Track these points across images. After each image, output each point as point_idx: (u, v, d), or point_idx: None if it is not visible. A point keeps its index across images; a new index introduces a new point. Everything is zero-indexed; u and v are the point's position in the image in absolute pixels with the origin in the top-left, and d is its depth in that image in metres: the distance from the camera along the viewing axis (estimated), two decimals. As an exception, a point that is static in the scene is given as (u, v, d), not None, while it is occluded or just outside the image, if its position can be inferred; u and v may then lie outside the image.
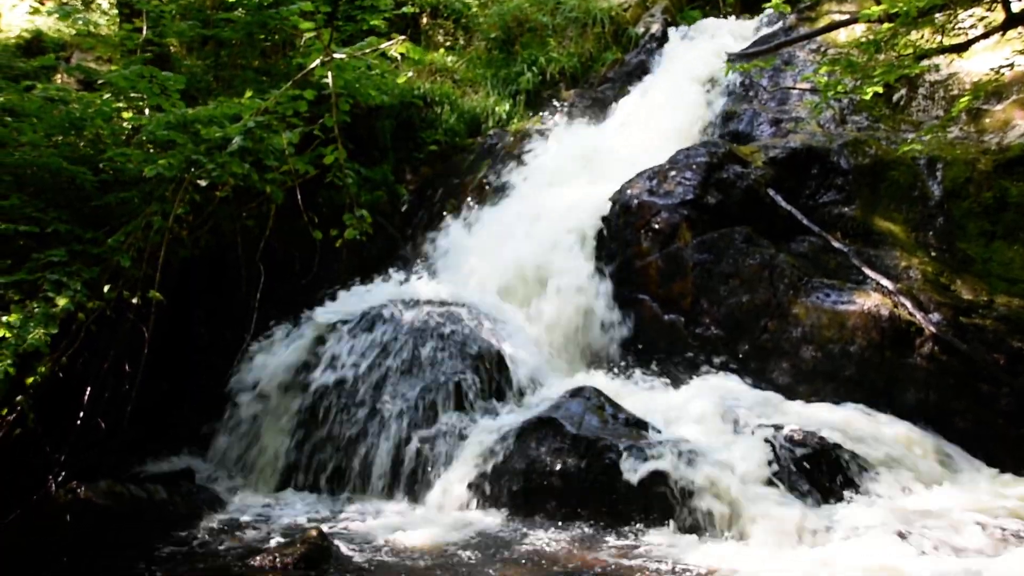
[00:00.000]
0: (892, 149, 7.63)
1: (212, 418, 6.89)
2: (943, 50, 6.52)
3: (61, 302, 5.12)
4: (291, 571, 4.59)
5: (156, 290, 5.78)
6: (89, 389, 5.74)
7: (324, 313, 7.30)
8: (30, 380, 5.15)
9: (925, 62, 6.73)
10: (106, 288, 5.53)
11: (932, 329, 6.31)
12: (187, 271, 6.87)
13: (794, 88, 9.23)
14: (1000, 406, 6.12)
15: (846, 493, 5.46)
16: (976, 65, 7.83)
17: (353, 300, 7.63)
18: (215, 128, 6.02)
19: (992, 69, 6.54)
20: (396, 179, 9.83)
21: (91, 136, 6.21)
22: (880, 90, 6.49)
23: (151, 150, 6.21)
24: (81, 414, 5.66)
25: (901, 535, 4.78)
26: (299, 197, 6.33)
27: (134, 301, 5.77)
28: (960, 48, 6.47)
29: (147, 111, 6.52)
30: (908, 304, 6.46)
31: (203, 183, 6.15)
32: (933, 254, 7.05)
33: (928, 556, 4.58)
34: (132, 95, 6.46)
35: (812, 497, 5.39)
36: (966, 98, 6.51)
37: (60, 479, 5.40)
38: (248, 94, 6.56)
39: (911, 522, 4.93)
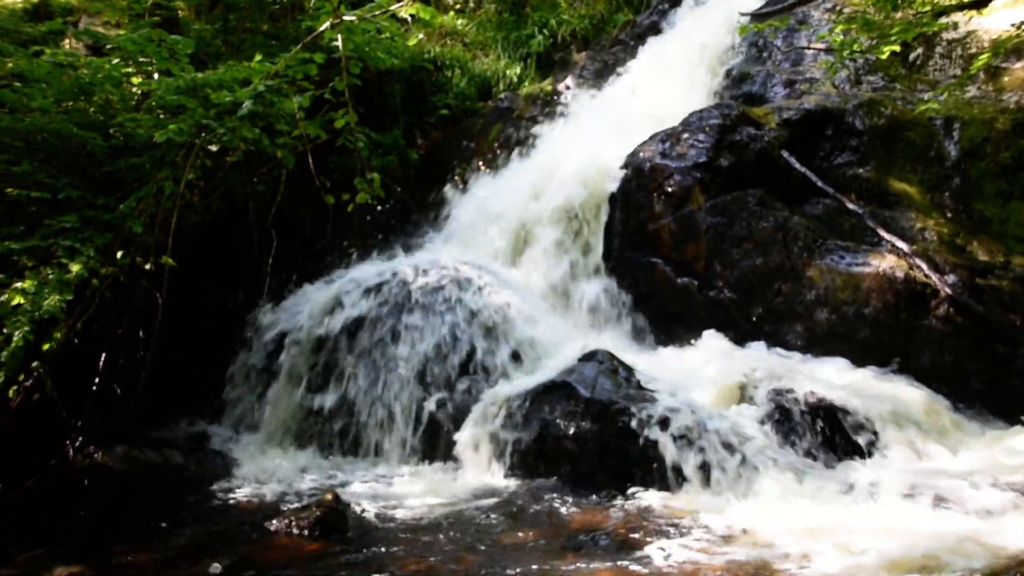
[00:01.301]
0: (908, 109, 7.52)
1: (226, 383, 6.93)
2: (962, 7, 6.41)
3: (75, 268, 5.13)
4: (307, 534, 4.63)
5: (169, 256, 5.79)
6: (104, 355, 5.77)
7: (336, 278, 7.30)
8: (46, 346, 5.18)
9: (943, 19, 6.63)
10: (119, 254, 5.54)
11: (948, 291, 6.26)
12: (199, 237, 6.86)
13: (809, 48, 9.10)
14: (1016, 367, 6.09)
15: (859, 454, 5.46)
16: (996, 22, 7.70)
17: (366, 264, 7.62)
18: (225, 93, 5.98)
19: (1013, 25, 6.43)
20: (407, 143, 9.78)
21: (100, 101, 6.18)
22: (897, 49, 6.38)
23: (161, 115, 6.18)
24: (97, 380, 5.69)
25: (913, 495, 4.78)
26: (310, 162, 6.30)
27: (147, 267, 5.79)
28: (979, 4, 6.35)
29: (156, 76, 6.48)
30: (923, 266, 6.41)
31: (214, 148, 6.14)
32: (949, 215, 6.98)
33: (941, 516, 4.57)
34: (141, 60, 6.43)
35: (825, 458, 5.39)
36: (985, 56, 6.41)
37: (77, 444, 5.45)
38: (257, 58, 6.52)
39: (924, 482, 4.92)
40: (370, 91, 9.21)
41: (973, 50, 7.95)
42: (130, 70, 6.47)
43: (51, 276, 5.08)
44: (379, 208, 8.17)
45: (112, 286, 5.61)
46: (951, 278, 6.36)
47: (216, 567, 4.11)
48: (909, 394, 5.96)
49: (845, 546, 4.20)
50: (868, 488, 5.00)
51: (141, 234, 5.67)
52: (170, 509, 5.14)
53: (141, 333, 5.94)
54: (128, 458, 5.40)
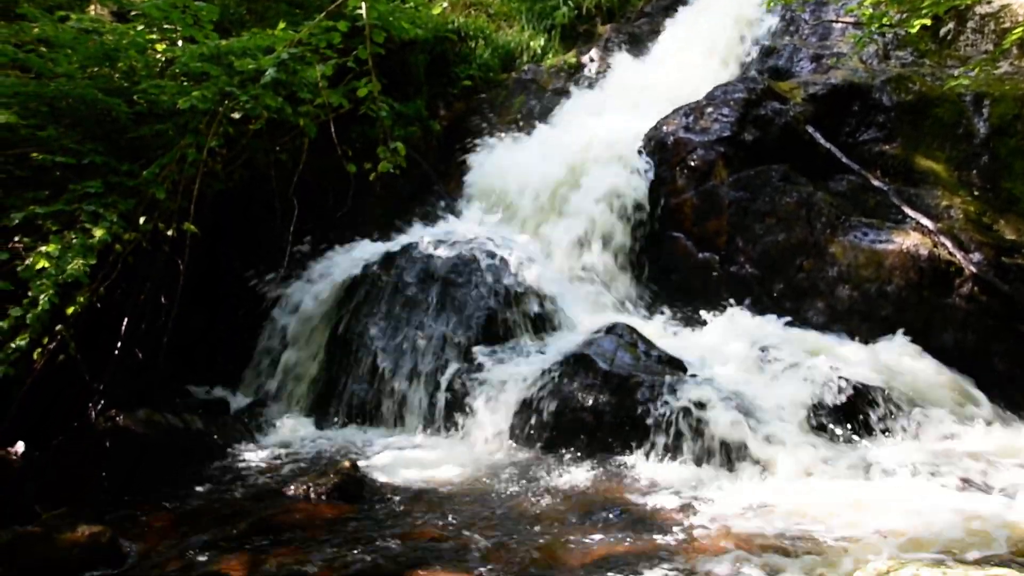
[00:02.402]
0: (937, 85, 7.42)
1: (247, 351, 6.98)
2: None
3: (98, 233, 5.16)
4: (324, 501, 4.67)
5: (191, 223, 5.81)
6: (127, 320, 5.82)
7: (358, 247, 7.32)
8: (70, 309, 5.23)
9: (976, -8, 6.51)
10: (142, 220, 5.57)
11: (972, 269, 6.20)
12: (221, 205, 6.88)
13: (837, 21, 8.99)
14: (1041, 348, 6.04)
15: (878, 432, 5.44)
16: (1030, -4, 7.57)
17: (388, 234, 7.64)
18: (248, 60, 5.97)
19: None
20: (430, 114, 9.75)
21: (125, 68, 6.19)
22: (927, 23, 6.27)
23: (184, 82, 6.19)
24: (119, 345, 5.75)
25: (934, 474, 4.77)
26: (332, 131, 6.29)
27: (169, 233, 5.81)
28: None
29: (180, 43, 6.48)
30: (948, 244, 6.34)
31: (237, 116, 6.14)
32: (976, 193, 6.89)
33: (962, 495, 4.55)
34: (165, 26, 6.42)
35: (844, 435, 5.37)
36: (1019, 30, 6.27)
37: (100, 407, 5.51)
38: (281, 26, 6.50)
39: (945, 461, 4.91)
40: (393, 61, 9.17)
41: (1007, 24, 7.81)
42: (154, 36, 6.47)
43: (75, 241, 5.11)
44: (401, 178, 8.15)
45: (135, 252, 5.65)
46: (976, 256, 6.29)
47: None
48: (931, 373, 5.92)
49: (864, 524, 4.19)
50: (888, 466, 4.99)
51: (164, 201, 5.69)
52: (190, 473, 5.20)
53: (163, 299, 5.98)
54: (150, 422, 5.45)
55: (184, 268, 5.87)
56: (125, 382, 5.71)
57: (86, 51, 5.99)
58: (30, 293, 4.93)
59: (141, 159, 5.94)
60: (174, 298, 5.92)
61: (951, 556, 3.71)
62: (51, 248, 5.06)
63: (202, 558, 3.91)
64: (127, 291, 5.87)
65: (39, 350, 5.09)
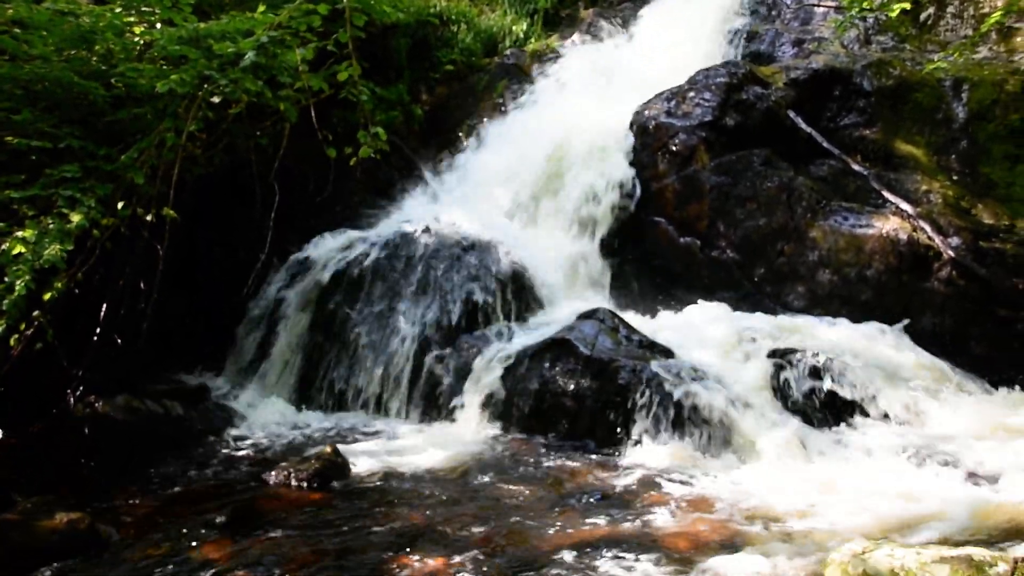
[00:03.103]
0: (917, 70, 7.44)
1: (228, 336, 6.95)
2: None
3: (75, 218, 5.11)
4: (305, 486, 4.67)
5: (170, 208, 5.76)
6: (105, 306, 5.78)
7: (339, 233, 7.30)
8: (47, 296, 5.18)
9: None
10: (120, 205, 5.51)
11: (951, 253, 6.24)
12: (202, 190, 6.82)
13: (818, 6, 9.00)
14: (1017, 331, 6.09)
15: (857, 415, 5.49)
16: (1009, -18, 7.58)
17: (370, 220, 7.61)
18: (228, 43, 5.91)
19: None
20: (412, 99, 9.69)
21: (102, 51, 6.11)
22: (907, 7, 6.31)
23: (163, 66, 6.12)
24: (98, 331, 5.71)
25: (911, 456, 4.82)
26: (313, 116, 6.25)
27: (148, 219, 5.76)
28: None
29: (159, 25, 6.41)
30: (927, 228, 6.38)
31: (216, 100, 6.07)
32: (955, 178, 6.93)
33: (937, 477, 4.60)
34: (143, 9, 6.34)
35: (823, 418, 5.43)
36: (996, 15, 6.31)
37: (79, 394, 5.48)
38: (260, 8, 6.43)
39: (921, 443, 4.97)
40: (375, 45, 9.11)
41: (986, 9, 7.84)
42: (132, 19, 6.38)
43: (52, 226, 5.06)
44: (383, 164, 8.12)
45: (113, 237, 5.59)
46: (955, 240, 6.33)
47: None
48: (909, 356, 5.97)
49: (841, 505, 4.24)
50: (865, 448, 5.05)
51: (142, 185, 5.63)
52: (170, 459, 5.19)
53: (142, 285, 5.94)
54: (129, 408, 5.43)
55: (163, 254, 5.82)
56: (104, 368, 5.67)
57: (62, 33, 5.90)
58: (6, 279, 4.88)
59: (119, 143, 5.87)
60: (153, 284, 5.87)
61: (925, 536, 3.75)
62: (27, 233, 5.00)
63: (183, 544, 3.91)
64: (105, 277, 5.82)
65: (16, 336, 5.04)
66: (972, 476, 4.59)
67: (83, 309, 5.73)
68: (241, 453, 5.43)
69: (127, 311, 5.87)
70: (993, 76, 7.11)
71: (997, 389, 5.92)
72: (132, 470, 4.97)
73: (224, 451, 5.47)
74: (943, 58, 7.34)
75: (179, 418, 5.71)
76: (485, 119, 9.31)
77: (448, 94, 10.11)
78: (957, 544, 3.04)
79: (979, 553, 2.49)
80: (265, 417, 6.20)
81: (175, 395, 6.00)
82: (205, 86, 5.83)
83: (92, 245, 5.43)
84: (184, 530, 4.06)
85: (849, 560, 2.73)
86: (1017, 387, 5.92)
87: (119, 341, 5.79)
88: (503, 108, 9.41)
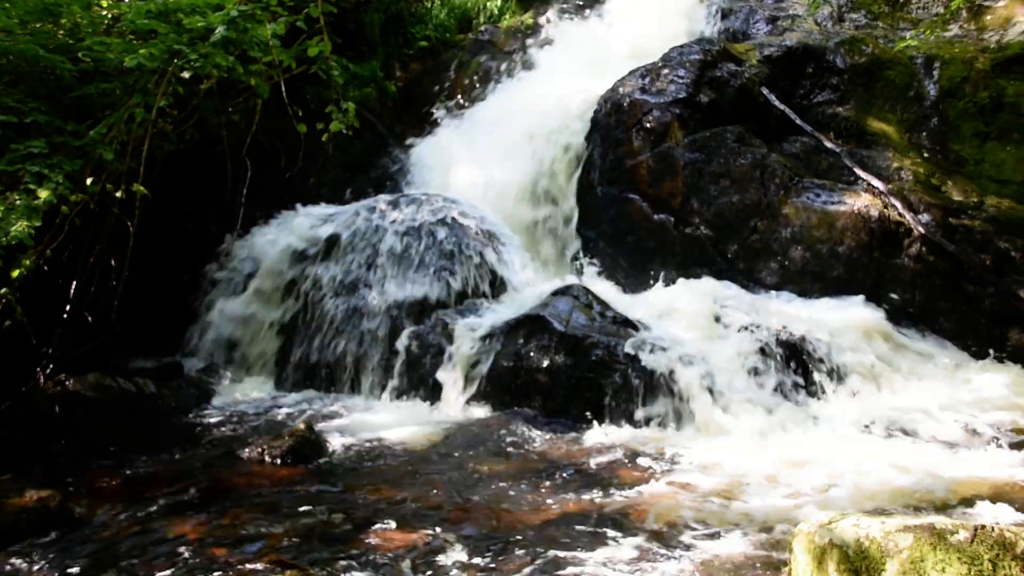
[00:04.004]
0: (889, 48, 7.49)
1: (201, 313, 6.90)
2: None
3: (43, 194, 5.04)
4: (279, 463, 4.66)
5: (141, 184, 5.70)
6: (75, 283, 5.73)
7: (312, 209, 7.26)
8: (15, 273, 5.11)
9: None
10: (89, 181, 5.44)
11: (921, 230, 6.30)
12: (173, 165, 6.77)
13: (792, -17, 9.01)
14: (984, 306, 6.17)
15: (828, 389, 5.55)
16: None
17: (342, 196, 7.57)
18: (197, 17, 5.84)
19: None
20: (385, 76, 9.63)
21: (69, 24, 6.01)
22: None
23: (132, 40, 6.04)
24: (67, 308, 5.65)
25: (878, 428, 4.90)
26: (284, 91, 6.20)
27: (118, 195, 5.69)
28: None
29: (126, -1, 6.33)
30: (898, 205, 6.44)
31: (186, 75, 6.00)
32: (926, 155, 6.99)
33: (904, 448, 4.68)
34: (110, -19, 6.26)
35: (792, 392, 5.48)
36: (966, -8, 6.36)
37: (48, 372, 5.44)
38: (230, -18, 6.35)
39: (890, 416, 5.05)
40: (347, 21, 9.03)
41: (957, -13, 7.89)
42: (100, -8, 6.31)
43: (19, 202, 4.98)
44: (356, 140, 8.07)
45: (82, 214, 5.52)
46: (925, 217, 6.40)
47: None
48: (878, 330, 6.03)
49: (810, 478, 4.29)
50: (834, 421, 5.12)
51: (112, 161, 5.56)
52: (142, 437, 5.16)
53: (113, 262, 5.88)
54: (100, 386, 5.39)
55: (134, 230, 5.77)
56: (75, 346, 5.63)
57: (26, 5, 5.79)
58: (-28, 256, 4.82)
59: (88, 119, 5.80)
60: (124, 261, 5.82)
61: (891, 506, 3.82)
62: (-7, 209, 4.94)
63: (155, 521, 3.88)
64: (75, 254, 5.76)
65: (-16, 314, 5.00)
66: (939, 447, 4.67)
67: (53, 286, 5.67)
68: (215, 430, 5.40)
69: (97, 288, 5.82)
70: (963, 54, 7.17)
71: (965, 363, 5.99)
72: (104, 448, 4.93)
73: (197, 428, 5.45)
74: (915, 36, 7.39)
75: (152, 396, 5.68)
76: (459, 96, 9.27)
77: (422, 71, 10.06)
78: (920, 513, 3.09)
79: (941, 521, 2.53)
80: (239, 395, 6.19)
81: (147, 372, 5.97)
82: (175, 61, 5.76)
83: (61, 221, 5.37)
84: (157, 507, 4.04)
85: (816, 530, 2.77)
86: (984, 360, 6.00)
87: (89, 319, 5.74)
88: (477, 84, 9.37)
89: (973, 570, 2.37)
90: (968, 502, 3.89)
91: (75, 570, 3.38)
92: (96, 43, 5.75)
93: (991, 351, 6.02)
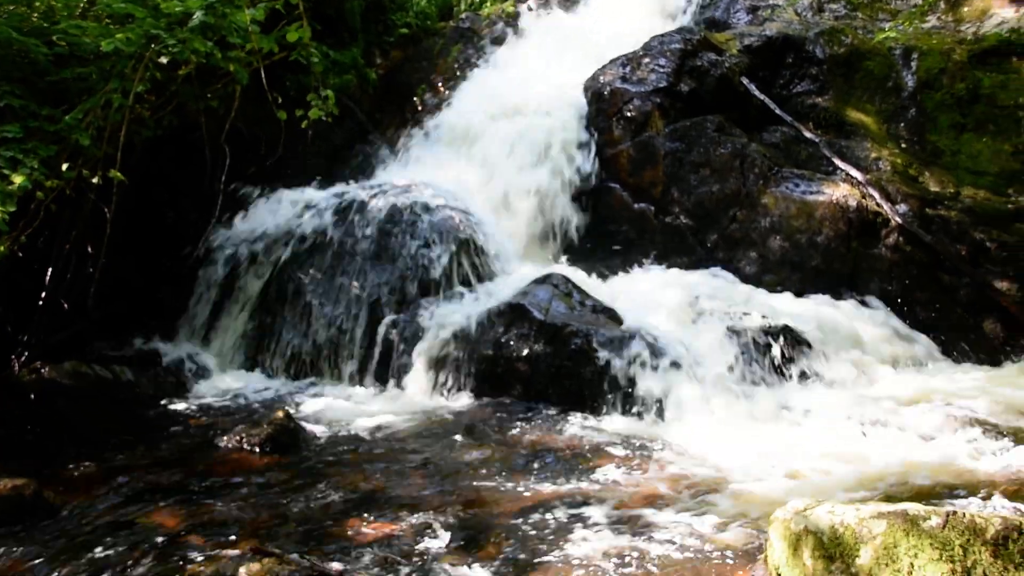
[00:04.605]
0: (868, 38, 7.53)
1: (179, 301, 6.85)
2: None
3: (17, 180, 4.97)
4: (257, 451, 4.65)
5: (118, 170, 5.65)
6: (51, 270, 5.68)
7: (291, 197, 7.22)
8: (-11, 259, 5.08)
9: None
10: (64, 167, 5.39)
11: (898, 220, 6.35)
12: (151, 152, 6.70)
13: (773, -27, 9.02)
14: (960, 296, 6.23)
15: (807, 379, 5.60)
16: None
17: (322, 184, 7.54)
18: (175, 2, 5.78)
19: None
20: (366, 63, 9.57)
21: (43, 7, 5.93)
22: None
23: (108, 24, 5.97)
24: (43, 295, 5.60)
25: (858, 419, 4.92)
26: (263, 78, 6.16)
27: (95, 181, 5.64)
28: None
29: (103, -17, 6.24)
30: (876, 195, 6.48)
31: (164, 60, 5.95)
32: (903, 146, 7.04)
33: (881, 438, 4.71)
34: (86, -36, 6.18)
35: (772, 381, 5.52)
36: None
37: (24, 359, 5.39)
38: (209, -33, 6.29)
39: (868, 406, 5.07)
40: (328, 7, 8.96)
41: (935, -21, 7.94)
42: (74, -25, 6.22)
43: (-7, 187, 4.94)
44: (336, 128, 8.03)
45: (58, 199, 5.47)
46: (902, 208, 6.44)
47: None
48: (856, 320, 6.08)
49: (787, 467, 4.32)
50: (813, 411, 5.15)
51: (88, 147, 5.50)
52: (119, 425, 5.12)
53: (90, 248, 5.84)
54: (76, 374, 5.35)
55: (111, 216, 5.72)
56: (51, 333, 5.58)
57: (-2, -13, 5.73)
58: (-54, 242, 4.77)
59: (63, 104, 5.72)
60: (101, 247, 5.77)
61: (868, 494, 3.86)
62: (-34, 195, 4.88)
63: (132, 509, 3.87)
64: (51, 240, 5.71)
65: (-42, 301, 4.95)
66: (915, 436, 4.71)
67: (28, 273, 5.62)
68: (192, 419, 5.38)
69: (74, 275, 5.77)
70: (941, 45, 7.22)
71: (940, 353, 6.05)
72: (80, 436, 4.90)
73: (175, 417, 5.42)
74: (894, 27, 7.43)
75: (129, 384, 5.65)
76: (440, 83, 9.24)
77: (403, 58, 10.02)
78: (894, 500, 3.12)
79: (914, 508, 2.56)
80: (217, 383, 6.15)
81: (125, 361, 5.93)
82: (152, 46, 5.71)
83: (36, 207, 5.32)
84: (134, 496, 4.02)
85: (791, 517, 2.79)
86: (959, 352, 6.06)
87: (65, 305, 5.70)
88: (458, 72, 9.34)
89: (944, 555, 2.40)
90: (943, 490, 3.94)
91: (49, 559, 3.36)
92: (71, 27, 5.68)
93: (966, 341, 6.08)
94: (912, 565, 2.44)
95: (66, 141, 5.44)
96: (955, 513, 2.47)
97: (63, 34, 5.69)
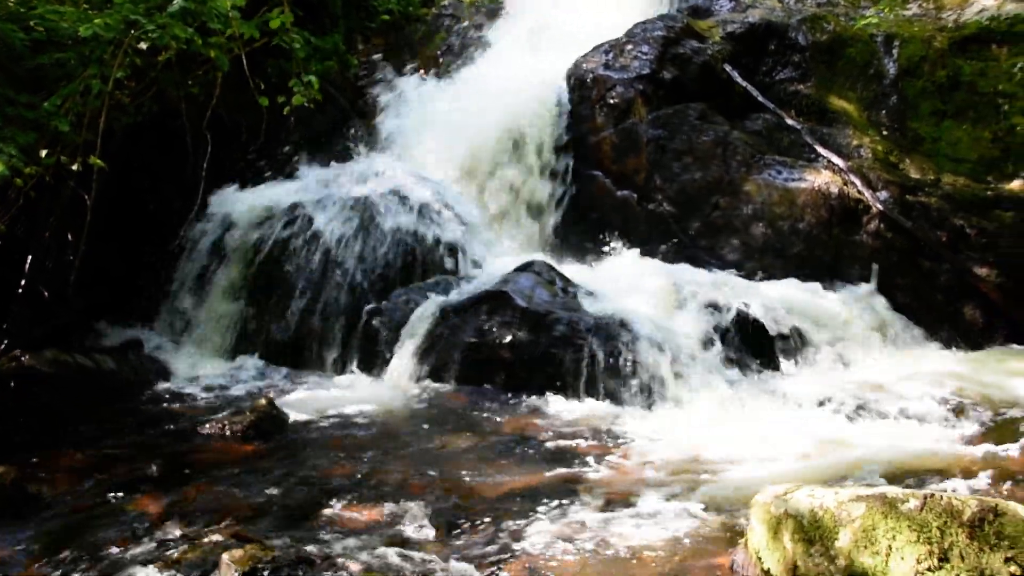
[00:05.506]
0: (850, 25, 7.54)
1: (161, 289, 6.81)
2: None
3: (-4, 166, 4.94)
4: (241, 439, 4.65)
5: (98, 157, 5.60)
6: (31, 258, 5.63)
7: (273, 183, 7.19)
8: (-33, 246, 5.03)
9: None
10: (43, 153, 5.34)
11: (879, 206, 6.38)
12: (132, 139, 6.65)
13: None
14: (940, 282, 6.28)
15: (788, 365, 5.65)
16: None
17: (304, 171, 7.50)
18: (155, -13, 5.75)
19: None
20: (348, 49, 9.50)
21: (20, -8, 5.88)
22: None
23: (86, 9, 5.91)
24: (23, 283, 5.56)
25: (837, 403, 4.98)
26: (245, 64, 6.12)
27: (75, 168, 5.59)
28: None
29: (80, -33, 6.18)
30: (857, 182, 6.51)
31: (144, 46, 5.90)
32: (884, 133, 7.06)
33: (862, 424, 4.77)
34: (63, -51, 6.11)
35: (754, 368, 5.55)
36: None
37: (3, 347, 5.35)
38: (189, -48, 6.23)
39: (849, 391, 5.12)
40: (309, -8, 8.90)
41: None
42: (52, -41, 6.15)
43: (-31, 174, 4.89)
44: (318, 114, 7.98)
45: (38, 187, 5.42)
46: (883, 194, 6.47)
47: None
48: (837, 307, 6.12)
49: (767, 452, 4.36)
50: (794, 396, 5.19)
51: (67, 133, 5.45)
52: (101, 414, 5.10)
53: (70, 236, 5.79)
54: (57, 362, 5.32)
55: (91, 203, 5.67)
56: (31, 321, 5.54)
57: (-27, -27, 5.66)
58: (-77, 228, 4.73)
59: (42, 90, 5.67)
60: (81, 235, 5.73)
61: (848, 478, 3.89)
62: (-57, 182, 4.84)
63: (114, 497, 3.87)
64: (31, 228, 5.66)
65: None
66: (895, 421, 4.77)
67: (7, 261, 5.57)
68: (175, 407, 5.37)
69: (54, 263, 5.73)
70: (922, 33, 7.24)
71: (921, 338, 6.10)
72: (61, 425, 4.88)
73: (158, 405, 5.41)
74: (875, 14, 7.45)
75: (111, 372, 5.61)
76: (422, 71, 9.19)
77: (385, 45, 9.95)
78: (872, 484, 3.16)
79: (892, 491, 2.59)
80: (200, 370, 6.13)
81: (107, 349, 5.90)
82: (132, 32, 5.66)
83: (15, 195, 5.27)
84: (116, 484, 4.01)
85: (772, 501, 2.82)
86: (939, 337, 6.12)
87: (45, 294, 5.66)
88: (441, 59, 9.30)
89: (922, 537, 2.43)
90: (922, 473, 3.98)
91: (31, 547, 3.36)
92: (49, 11, 5.63)
93: (946, 326, 6.14)
94: (890, 547, 2.47)
95: (45, 128, 5.39)
96: (932, 496, 2.50)
97: (40, 19, 5.63)
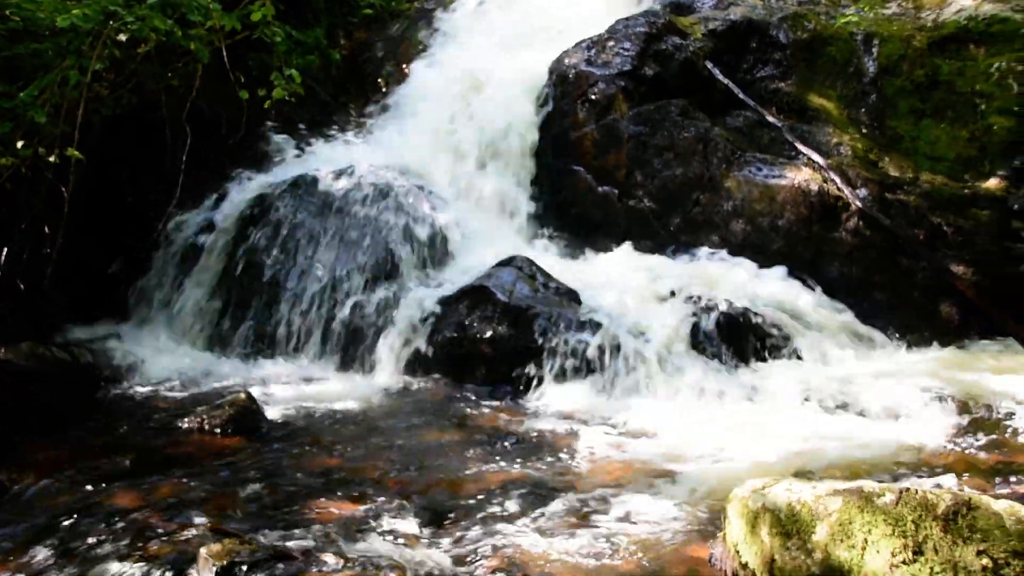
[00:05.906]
0: (830, 24, 7.57)
1: (138, 281, 6.77)
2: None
3: (-29, 158, 4.90)
4: (219, 433, 4.63)
5: (76, 149, 5.56)
6: (6, 250, 5.58)
7: (253, 177, 7.15)
8: (-58, 238, 4.98)
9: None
10: (20, 144, 5.29)
11: (858, 204, 6.42)
12: (111, 131, 6.60)
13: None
14: (918, 280, 6.32)
15: (765, 359, 5.66)
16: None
17: (285, 165, 7.47)
18: (134, -22, 5.69)
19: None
20: (330, 43, 9.46)
21: (-6, -19, 5.81)
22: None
23: (64, -1, 5.86)
24: (-1, 275, 5.52)
25: (816, 398, 5.01)
26: (225, 57, 6.08)
27: (52, 160, 5.54)
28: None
29: (58, -43, 6.11)
30: (837, 179, 6.54)
31: (123, 38, 5.85)
32: (864, 131, 7.10)
33: (838, 418, 4.80)
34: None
35: (734, 363, 5.58)
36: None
37: (-21, 340, 5.31)
38: (168, -58, 6.18)
39: (824, 387, 5.15)
40: (291, -15, 8.85)
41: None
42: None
43: (-56, 166, 4.85)
44: (299, 108, 7.95)
45: (14, 178, 5.38)
46: (862, 192, 6.51)
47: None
48: (816, 303, 6.16)
49: (746, 446, 4.38)
50: (773, 390, 5.22)
51: (45, 125, 5.40)
52: (77, 407, 5.06)
53: (47, 229, 5.74)
54: (33, 355, 5.27)
55: (69, 196, 5.62)
56: (6, 314, 5.49)
57: (-55, -42, 5.59)
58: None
59: (18, 80, 5.61)
60: (58, 228, 5.68)
61: (825, 472, 3.92)
62: (-82, 173, 4.78)
63: (91, 492, 3.83)
64: (7, 220, 5.61)
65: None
66: (873, 417, 4.80)
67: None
68: (153, 400, 5.33)
69: (31, 256, 5.68)
70: (901, 32, 7.29)
71: (898, 335, 6.14)
72: (36, 418, 4.83)
73: (135, 398, 5.37)
74: (855, 12, 7.49)
75: (88, 365, 5.57)
76: (404, 65, 9.17)
77: (367, 38, 9.92)
78: (850, 478, 3.18)
79: (869, 485, 2.61)
80: (178, 364, 6.07)
81: (84, 342, 5.86)
82: (111, 23, 5.61)
83: (-9, 186, 5.23)
84: (93, 478, 3.97)
85: (749, 495, 2.84)
86: (917, 335, 6.16)
87: (21, 286, 5.60)
88: (423, 54, 9.27)
89: (897, 531, 2.45)
90: (899, 468, 4.02)
91: (6, 543, 3.32)
92: (25, 1, 5.56)
93: (924, 323, 6.19)
94: (866, 541, 2.49)
95: (21, 118, 5.34)
96: (908, 490, 2.52)
97: (17, 8, 5.56)
